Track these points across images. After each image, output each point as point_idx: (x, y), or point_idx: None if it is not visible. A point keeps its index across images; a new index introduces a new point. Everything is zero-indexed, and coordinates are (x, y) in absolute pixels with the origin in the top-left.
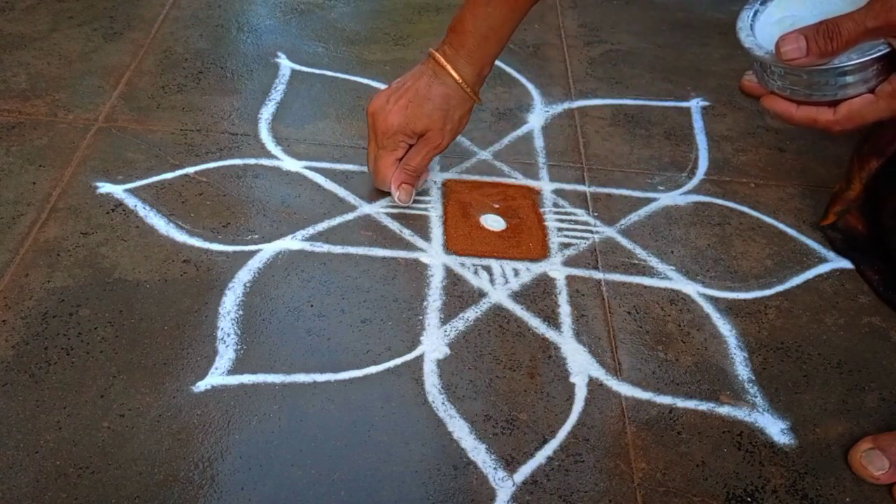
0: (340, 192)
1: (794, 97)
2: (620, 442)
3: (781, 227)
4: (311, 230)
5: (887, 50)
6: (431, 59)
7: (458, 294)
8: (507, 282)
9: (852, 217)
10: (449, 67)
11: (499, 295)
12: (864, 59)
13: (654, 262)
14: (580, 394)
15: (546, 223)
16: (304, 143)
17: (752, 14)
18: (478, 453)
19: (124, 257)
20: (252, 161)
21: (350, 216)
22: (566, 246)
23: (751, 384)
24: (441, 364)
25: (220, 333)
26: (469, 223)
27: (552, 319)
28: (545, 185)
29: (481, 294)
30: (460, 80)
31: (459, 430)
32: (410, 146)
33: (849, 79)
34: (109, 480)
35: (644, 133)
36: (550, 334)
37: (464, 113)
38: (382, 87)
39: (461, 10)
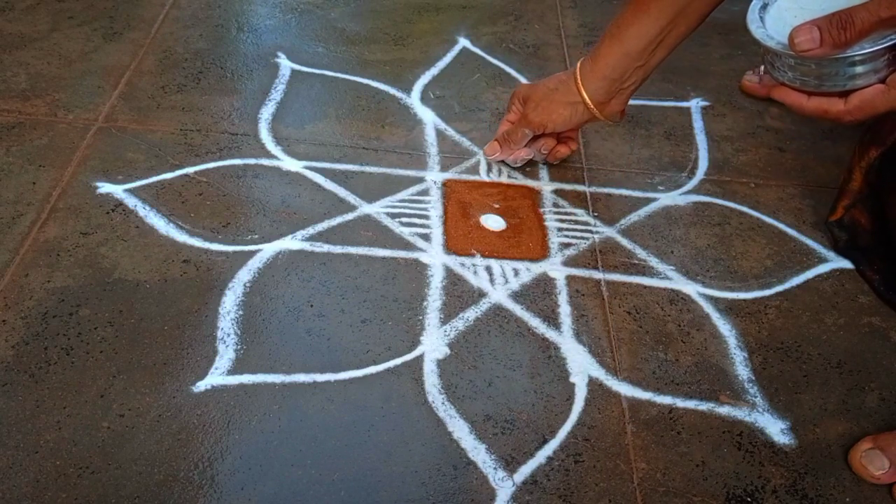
0: (340, 192)
1: (805, 88)
2: (620, 442)
3: (781, 227)
4: (311, 230)
5: None
6: None
7: (458, 294)
8: (507, 282)
9: (857, 212)
10: (582, 60)
11: (499, 295)
12: (875, 49)
13: (653, 262)
14: (580, 394)
15: (546, 223)
16: (304, 143)
17: (761, 6)
18: (478, 453)
19: (124, 257)
20: (252, 161)
21: (350, 216)
22: (566, 246)
23: (751, 384)
24: (441, 364)
25: (220, 333)
26: (469, 223)
27: (552, 319)
28: (545, 185)
29: (481, 294)
30: (576, 70)
31: (459, 430)
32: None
33: (858, 69)
34: (109, 480)
35: (644, 133)
36: (550, 334)
37: (565, 102)
38: (382, 87)
39: None
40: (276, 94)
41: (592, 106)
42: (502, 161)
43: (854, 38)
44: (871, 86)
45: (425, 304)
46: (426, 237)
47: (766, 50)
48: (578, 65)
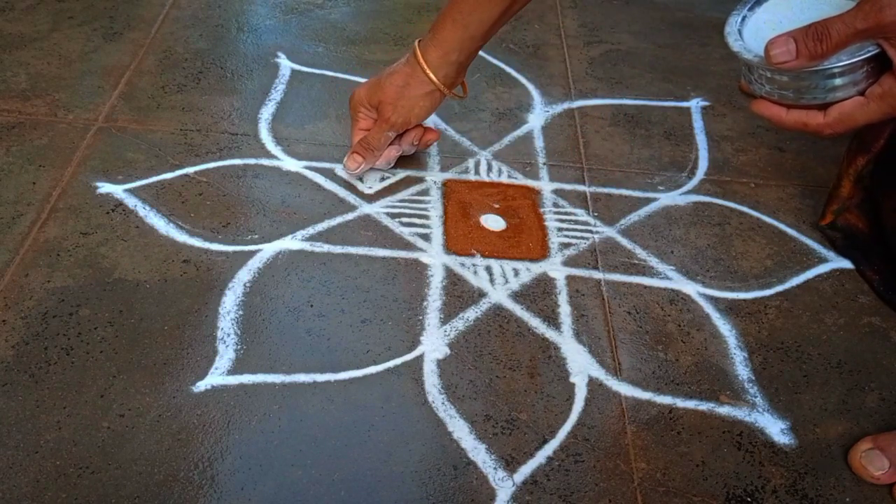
0: (340, 192)
1: (783, 101)
2: (620, 442)
3: (781, 227)
4: (311, 230)
5: (877, 51)
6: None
7: (458, 294)
8: (507, 282)
9: (852, 216)
10: (417, 47)
11: (499, 295)
12: (853, 61)
13: (653, 262)
14: (580, 394)
15: (546, 223)
16: (304, 143)
17: (740, 19)
18: (478, 453)
19: (124, 257)
20: (252, 161)
21: (350, 216)
22: (566, 246)
23: (751, 384)
24: (441, 364)
25: (220, 333)
26: (469, 223)
27: (552, 319)
28: (545, 185)
29: (481, 294)
30: (421, 60)
31: (459, 430)
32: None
33: (837, 81)
34: (109, 480)
35: (644, 133)
36: (550, 334)
37: (422, 94)
38: None
39: None
40: (276, 94)
41: (446, 90)
42: (361, 169)
43: (830, 49)
44: (850, 98)
45: (425, 304)
46: (426, 237)
47: (745, 63)
48: (419, 53)
